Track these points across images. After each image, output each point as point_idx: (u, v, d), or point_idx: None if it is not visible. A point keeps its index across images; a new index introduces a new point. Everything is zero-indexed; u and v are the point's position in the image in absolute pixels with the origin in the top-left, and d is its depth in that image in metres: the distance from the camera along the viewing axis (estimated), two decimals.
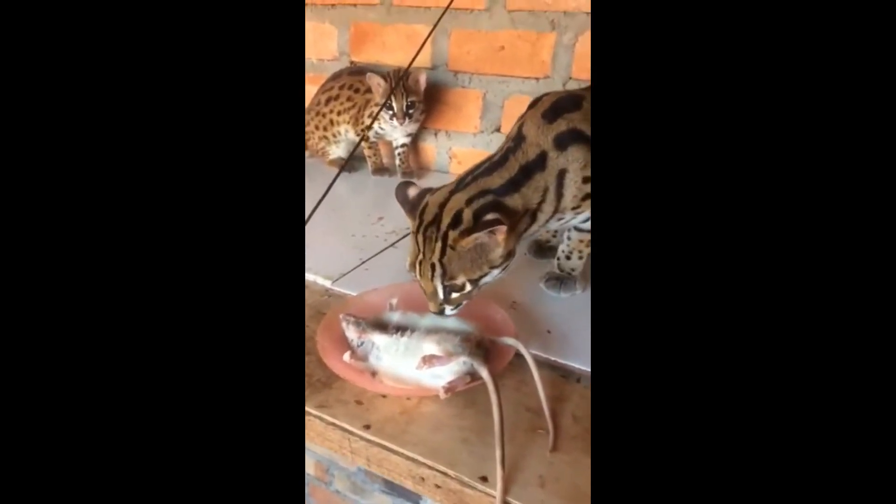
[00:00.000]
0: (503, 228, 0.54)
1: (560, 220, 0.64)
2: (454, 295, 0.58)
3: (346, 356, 0.58)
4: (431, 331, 0.58)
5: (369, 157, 1.19)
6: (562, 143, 0.59)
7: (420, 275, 0.58)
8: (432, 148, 1.25)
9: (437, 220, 0.56)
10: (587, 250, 0.71)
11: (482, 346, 0.57)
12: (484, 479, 0.48)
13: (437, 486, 0.50)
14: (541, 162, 0.59)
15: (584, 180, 0.60)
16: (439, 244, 0.55)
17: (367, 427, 0.54)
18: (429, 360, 0.54)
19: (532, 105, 0.65)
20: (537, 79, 1.07)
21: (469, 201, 0.56)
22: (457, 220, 0.56)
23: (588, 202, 0.62)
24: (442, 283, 0.57)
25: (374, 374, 0.57)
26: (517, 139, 0.60)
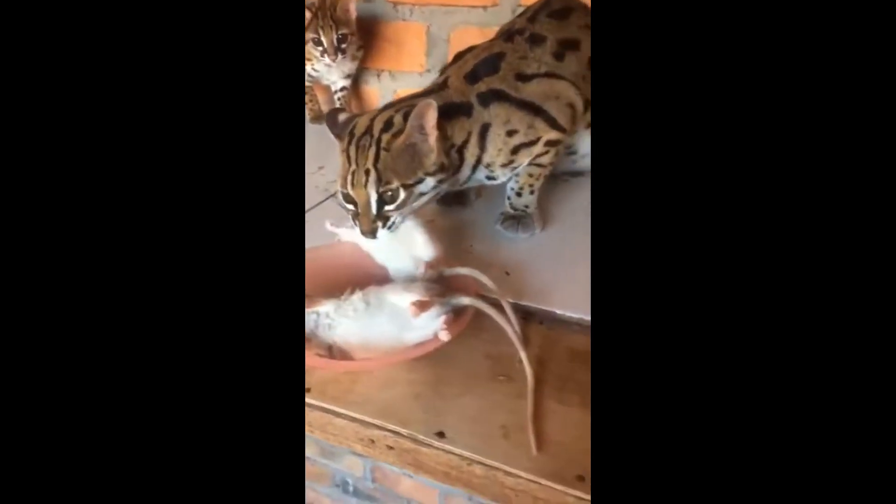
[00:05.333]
0: (432, 107, 0.53)
1: (491, 176, 0.64)
2: (387, 207, 0.55)
3: None
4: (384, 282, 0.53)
5: (304, 103, 1.08)
6: (484, 100, 0.61)
7: (353, 185, 0.55)
8: (375, 91, 1.14)
9: (368, 130, 0.56)
10: (538, 183, 0.67)
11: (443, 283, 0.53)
12: (441, 435, 0.43)
13: (390, 448, 0.44)
14: (466, 109, 0.60)
15: (509, 134, 0.62)
16: (373, 149, 0.55)
17: (307, 391, 0.47)
18: (421, 305, 0.47)
19: (455, 60, 0.67)
20: (485, 7, 0.98)
21: (399, 109, 0.57)
22: (388, 124, 0.56)
23: (522, 152, 0.63)
24: (376, 190, 0.54)
25: (329, 348, 0.50)
26: (442, 85, 0.62)
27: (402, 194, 0.54)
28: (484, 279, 0.53)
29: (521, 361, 0.47)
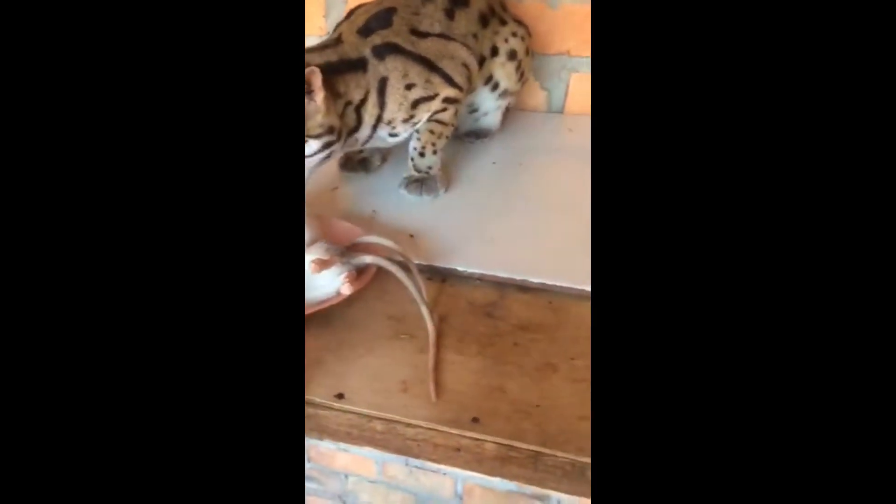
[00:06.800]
0: (317, 75, 0.52)
1: (393, 133, 0.64)
2: None
3: None
4: None
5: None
6: (380, 53, 0.60)
7: None
8: None
9: None
10: (441, 142, 0.67)
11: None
12: (340, 397, 0.43)
13: None
14: (361, 64, 0.59)
15: (407, 87, 0.61)
16: None
17: None
18: (321, 263, 0.48)
19: (347, 17, 0.66)
20: None
21: None
22: None
23: (422, 107, 0.63)
24: None
25: None
26: (336, 41, 0.61)
27: None
28: (384, 241, 0.53)
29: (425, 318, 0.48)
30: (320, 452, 0.65)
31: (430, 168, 0.69)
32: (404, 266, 0.51)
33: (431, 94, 0.63)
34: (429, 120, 0.65)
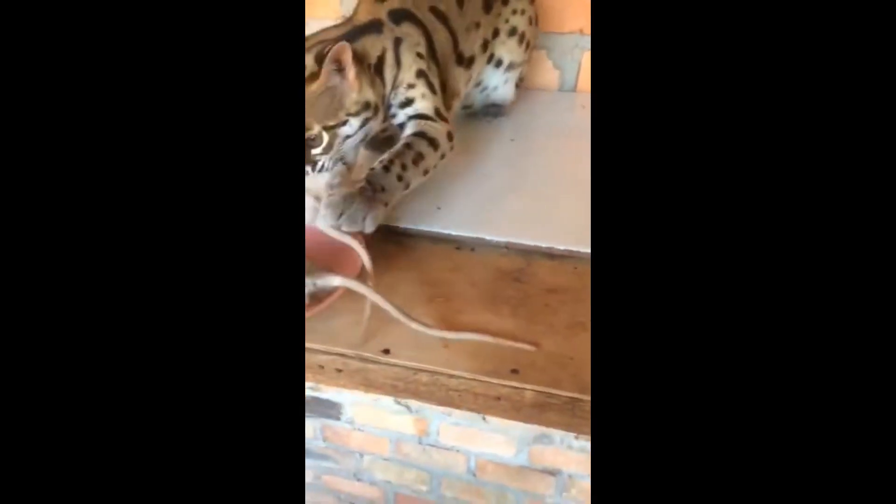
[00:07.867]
0: (347, 50, 0.53)
1: (396, 98, 0.62)
2: (313, 152, 0.55)
3: None
4: None
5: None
6: (395, 17, 0.62)
7: None
8: None
9: None
10: (414, 174, 0.59)
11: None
12: (386, 352, 0.46)
13: (339, 371, 0.46)
14: (375, 27, 0.60)
15: (418, 56, 0.62)
16: None
17: None
18: None
19: None
20: None
21: (308, 50, 0.56)
22: None
23: (421, 81, 0.62)
24: None
25: None
26: (351, 17, 0.63)
27: (325, 137, 0.54)
28: (362, 255, 0.50)
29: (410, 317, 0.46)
30: (336, 432, 0.67)
31: (384, 189, 0.55)
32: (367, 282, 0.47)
33: (433, 80, 0.62)
34: (418, 122, 0.60)
